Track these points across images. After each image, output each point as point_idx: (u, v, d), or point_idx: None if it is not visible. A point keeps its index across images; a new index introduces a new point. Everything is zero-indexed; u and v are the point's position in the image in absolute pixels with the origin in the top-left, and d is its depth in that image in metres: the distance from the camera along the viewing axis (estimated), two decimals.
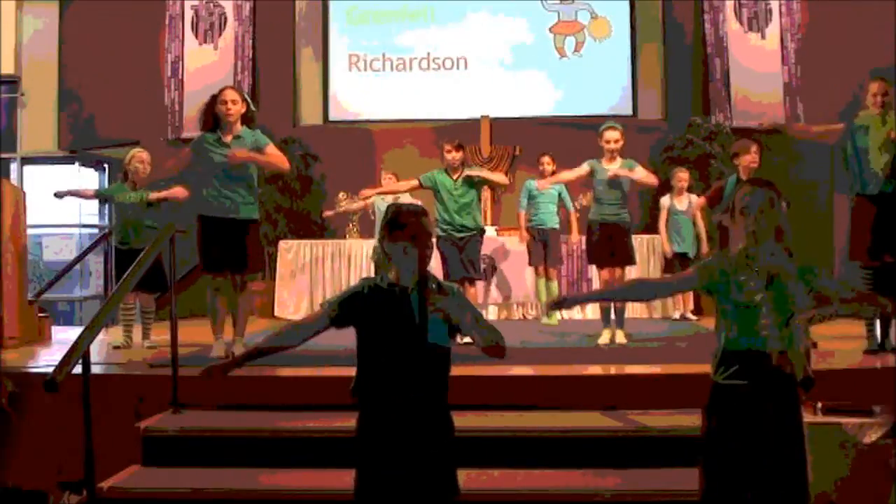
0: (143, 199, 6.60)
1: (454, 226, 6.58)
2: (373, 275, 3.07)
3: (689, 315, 8.43)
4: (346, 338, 2.90)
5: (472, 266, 6.60)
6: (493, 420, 4.40)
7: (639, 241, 8.96)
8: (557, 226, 8.19)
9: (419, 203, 3.77)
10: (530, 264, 8.23)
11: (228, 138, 5.58)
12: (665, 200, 8.44)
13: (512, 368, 5.32)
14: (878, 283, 5.50)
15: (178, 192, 6.60)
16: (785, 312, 2.77)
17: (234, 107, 5.55)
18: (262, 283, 9.57)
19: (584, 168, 6.43)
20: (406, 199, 7.50)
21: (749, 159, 6.23)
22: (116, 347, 6.42)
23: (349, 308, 2.86)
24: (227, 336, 5.72)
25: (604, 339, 6.38)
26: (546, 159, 8.12)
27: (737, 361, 2.79)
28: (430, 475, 2.82)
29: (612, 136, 6.34)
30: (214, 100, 5.62)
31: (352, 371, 2.88)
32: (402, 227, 2.83)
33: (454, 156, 6.65)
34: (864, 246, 5.53)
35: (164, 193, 6.58)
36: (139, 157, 6.70)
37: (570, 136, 8.86)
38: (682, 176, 8.45)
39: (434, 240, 6.41)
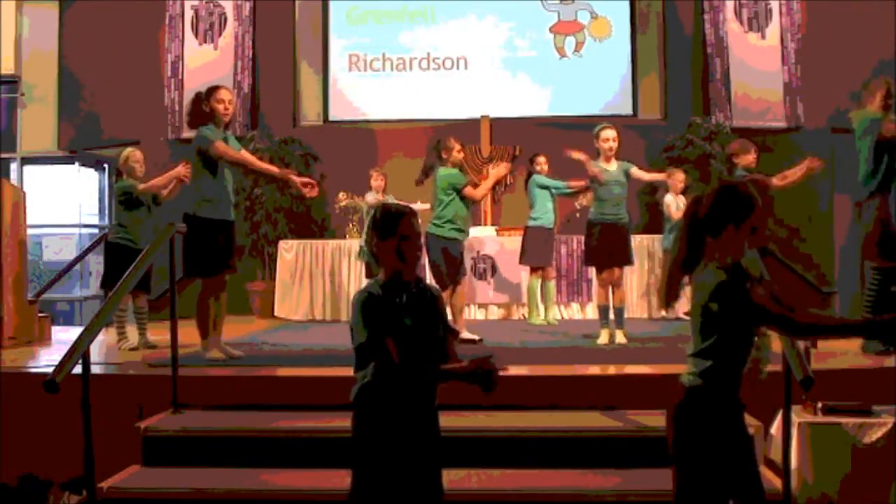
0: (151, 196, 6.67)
1: (465, 226, 6.62)
2: (364, 273, 3.06)
3: (686, 315, 8.42)
4: (344, 338, 2.90)
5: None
6: (493, 420, 4.40)
7: (638, 241, 8.99)
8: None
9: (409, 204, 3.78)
10: (531, 264, 8.15)
11: (223, 136, 5.60)
12: (669, 198, 8.36)
13: (511, 368, 5.32)
14: (887, 282, 5.50)
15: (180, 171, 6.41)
16: (700, 328, 2.69)
17: (231, 106, 5.60)
18: (262, 283, 9.58)
19: (594, 168, 6.42)
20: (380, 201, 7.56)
21: (750, 159, 6.23)
22: (134, 349, 6.36)
23: (375, 316, 2.77)
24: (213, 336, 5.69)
25: (603, 339, 6.38)
26: (542, 159, 8.11)
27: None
28: (428, 476, 2.85)
29: (611, 134, 6.39)
30: (201, 97, 5.60)
31: (351, 371, 2.87)
32: (392, 227, 2.82)
33: (462, 156, 6.73)
34: (881, 246, 5.48)
35: (171, 185, 6.53)
36: (136, 157, 6.72)
37: (570, 136, 8.84)
38: (680, 177, 8.43)
39: (440, 241, 6.47)
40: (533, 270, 8.19)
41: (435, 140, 6.87)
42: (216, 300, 5.66)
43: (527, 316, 8.77)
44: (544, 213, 8.01)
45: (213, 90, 5.62)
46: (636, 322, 8.36)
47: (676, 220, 8.26)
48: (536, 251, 8.06)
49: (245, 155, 5.78)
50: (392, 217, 2.83)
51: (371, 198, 8.41)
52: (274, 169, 5.97)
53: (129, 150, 6.83)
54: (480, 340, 6.46)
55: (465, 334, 6.50)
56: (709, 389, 2.67)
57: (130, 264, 4.58)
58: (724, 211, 2.70)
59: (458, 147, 6.64)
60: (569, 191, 7.89)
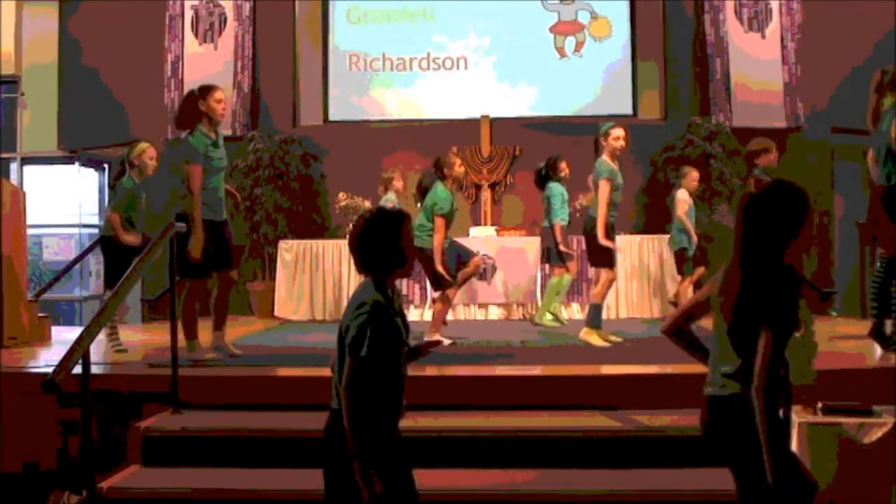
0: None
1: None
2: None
3: None
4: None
5: None
6: (493, 420, 4.40)
7: (638, 241, 9.00)
8: None
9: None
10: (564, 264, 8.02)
11: (215, 137, 5.57)
12: (684, 195, 8.30)
13: (512, 368, 5.33)
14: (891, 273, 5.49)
15: None
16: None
17: (227, 107, 5.57)
18: (262, 283, 9.58)
19: (608, 184, 6.15)
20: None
21: (771, 159, 6.21)
22: (120, 350, 6.32)
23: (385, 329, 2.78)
24: (204, 335, 5.69)
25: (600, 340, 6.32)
26: (563, 164, 7.96)
27: None
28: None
29: (622, 132, 6.21)
30: (195, 95, 5.54)
31: None
32: (401, 233, 2.83)
33: (463, 170, 6.70)
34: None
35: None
36: (150, 154, 6.60)
37: (570, 136, 8.86)
38: (696, 175, 8.42)
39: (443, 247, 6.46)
40: (556, 268, 8.06)
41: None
42: (223, 298, 5.66)
43: (528, 316, 8.71)
44: (565, 213, 7.92)
45: (210, 89, 5.56)
46: (636, 322, 8.37)
47: (680, 216, 8.21)
48: (562, 250, 7.97)
49: (198, 197, 5.42)
50: (400, 221, 2.84)
51: (392, 201, 8.15)
52: (197, 221, 5.40)
53: (144, 144, 6.60)
54: (454, 343, 6.43)
55: (439, 338, 6.35)
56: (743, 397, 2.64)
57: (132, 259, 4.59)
58: (789, 214, 2.65)
59: (459, 162, 6.62)
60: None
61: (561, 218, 7.70)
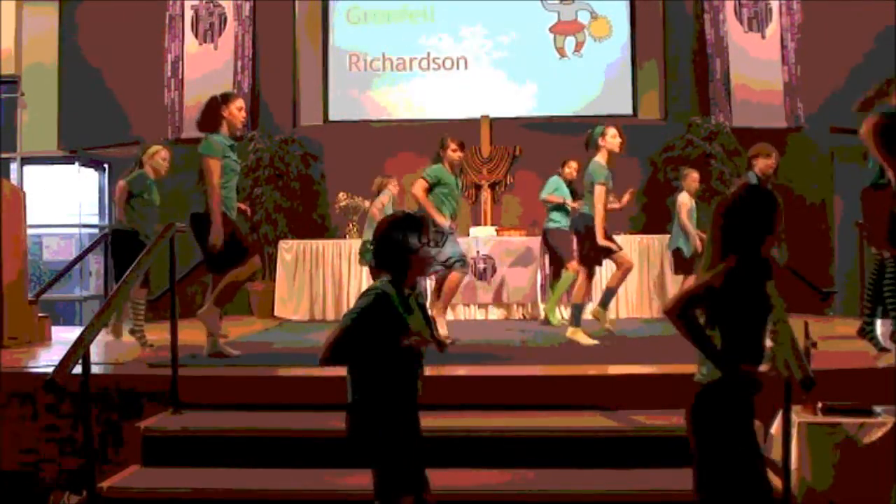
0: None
1: (453, 222, 6.63)
2: (368, 273, 3.10)
3: None
4: None
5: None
6: (492, 420, 4.40)
7: (637, 241, 9.00)
8: None
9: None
10: (566, 262, 8.04)
11: (232, 142, 5.72)
12: (685, 198, 8.29)
13: (512, 368, 5.33)
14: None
15: None
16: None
17: (245, 115, 5.71)
18: (262, 283, 9.58)
19: (603, 188, 6.14)
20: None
21: (768, 163, 6.21)
22: (145, 345, 6.34)
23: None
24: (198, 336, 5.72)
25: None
26: (573, 164, 7.99)
27: None
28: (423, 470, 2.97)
29: (617, 131, 6.22)
30: (218, 102, 5.67)
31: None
32: (425, 232, 2.90)
33: (459, 155, 6.68)
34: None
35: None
36: (163, 155, 6.72)
37: (570, 136, 8.85)
38: (696, 176, 8.41)
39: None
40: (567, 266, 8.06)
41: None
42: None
43: (528, 316, 8.73)
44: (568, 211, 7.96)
45: (233, 97, 5.75)
46: (636, 322, 8.37)
47: (683, 221, 8.20)
48: (564, 249, 7.98)
49: (217, 189, 5.51)
50: (422, 224, 2.92)
51: (390, 207, 8.16)
52: (217, 213, 5.49)
53: (157, 146, 6.78)
54: (454, 343, 6.40)
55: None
56: (726, 385, 2.73)
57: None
58: (757, 215, 2.81)
59: (453, 146, 6.61)
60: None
61: (549, 195, 7.97)
